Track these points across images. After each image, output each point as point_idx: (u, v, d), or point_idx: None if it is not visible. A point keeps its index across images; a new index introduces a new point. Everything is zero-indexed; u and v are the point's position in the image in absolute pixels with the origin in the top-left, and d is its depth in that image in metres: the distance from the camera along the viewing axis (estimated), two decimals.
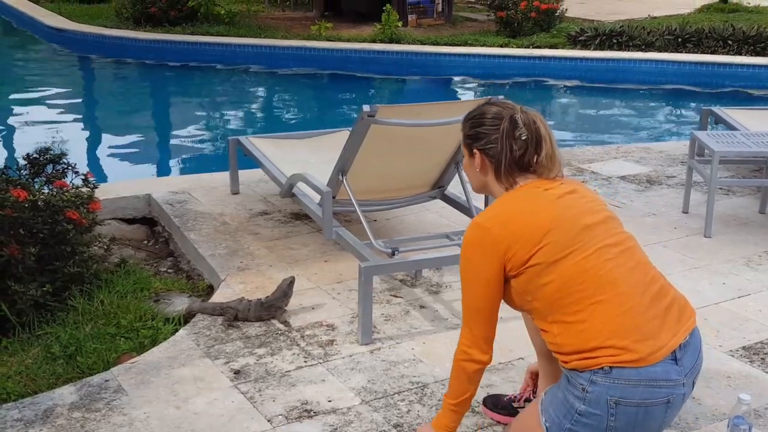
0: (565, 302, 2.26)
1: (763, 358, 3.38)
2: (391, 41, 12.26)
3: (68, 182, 4.07)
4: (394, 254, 3.79)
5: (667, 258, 4.35)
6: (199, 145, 8.65)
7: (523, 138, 2.38)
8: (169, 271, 4.49)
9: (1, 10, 17.18)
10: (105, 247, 4.23)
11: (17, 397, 3.07)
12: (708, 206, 4.68)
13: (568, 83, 11.33)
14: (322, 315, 3.72)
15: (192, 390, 3.09)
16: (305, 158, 4.81)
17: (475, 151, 2.45)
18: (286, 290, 3.67)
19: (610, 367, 2.19)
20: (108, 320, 3.62)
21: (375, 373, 3.23)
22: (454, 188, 4.52)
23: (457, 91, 11.44)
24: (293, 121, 9.76)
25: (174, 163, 8.09)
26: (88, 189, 4.08)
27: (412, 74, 11.75)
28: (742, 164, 5.86)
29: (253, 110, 10.56)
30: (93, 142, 8.74)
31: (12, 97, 10.54)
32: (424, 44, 12.20)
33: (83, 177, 4.16)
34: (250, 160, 5.03)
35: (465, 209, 4.31)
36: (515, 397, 2.94)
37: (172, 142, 8.94)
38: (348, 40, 12.49)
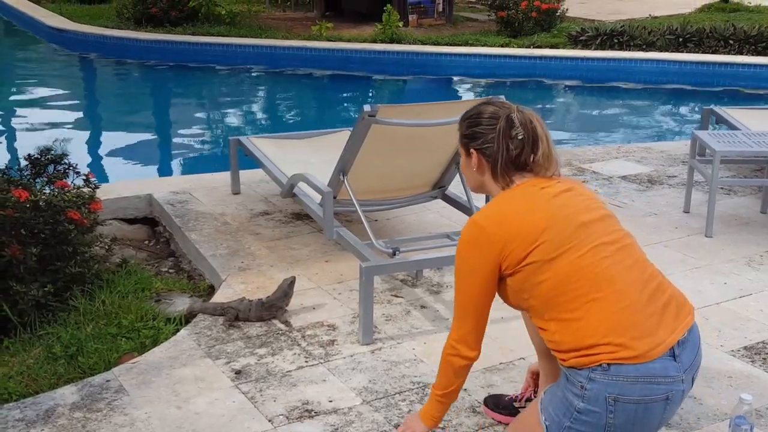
0: (562, 300, 2.27)
1: (764, 358, 3.37)
2: (391, 41, 12.27)
3: (69, 182, 4.07)
4: (395, 254, 3.79)
5: (668, 258, 4.35)
6: (200, 146, 8.65)
7: (520, 137, 2.38)
8: (171, 271, 4.49)
9: (2, 11, 17.20)
10: (106, 247, 4.23)
11: (19, 397, 3.08)
12: (709, 206, 4.68)
13: (568, 83, 11.33)
14: (323, 315, 3.72)
15: (193, 390, 3.10)
16: (306, 158, 4.81)
17: (472, 150, 2.47)
18: (286, 290, 3.68)
19: (608, 364, 2.19)
20: (109, 320, 3.63)
21: (376, 373, 3.23)
22: (455, 188, 4.52)
23: (457, 91, 11.44)
24: (294, 121, 9.76)
25: (175, 164, 8.10)
26: (90, 189, 4.09)
27: (412, 74, 11.75)
28: (744, 164, 5.86)
29: (254, 110, 10.57)
30: (94, 143, 8.74)
31: (13, 97, 10.55)
32: (425, 44, 12.20)
33: (84, 177, 4.16)
34: (251, 161, 5.03)
35: (466, 209, 4.31)
36: (516, 397, 2.94)
37: (173, 142, 8.94)
38: (349, 41, 12.50)
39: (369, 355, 3.38)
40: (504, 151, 2.39)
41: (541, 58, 11.63)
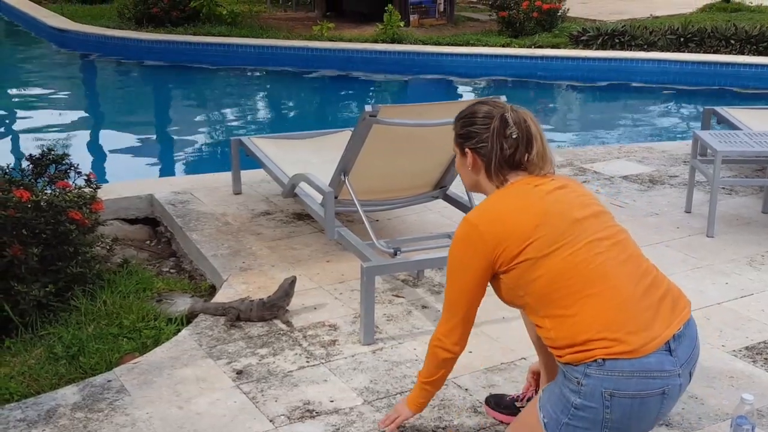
0: (556, 296, 2.28)
1: (766, 358, 3.37)
2: (393, 41, 12.27)
3: (71, 183, 4.08)
4: (396, 254, 3.79)
5: (669, 258, 4.35)
6: (201, 146, 8.65)
7: (514, 136, 2.41)
8: (172, 271, 4.49)
9: (5, 12, 17.21)
10: (107, 247, 4.23)
11: (20, 398, 3.08)
12: (711, 206, 4.67)
13: (570, 83, 11.33)
14: (324, 315, 3.72)
15: (194, 390, 3.10)
16: (307, 158, 4.81)
17: (466, 150, 2.49)
18: (287, 290, 3.68)
19: (604, 360, 2.20)
20: (110, 320, 3.63)
21: (377, 373, 3.23)
22: (456, 188, 4.52)
23: (459, 92, 11.43)
24: (295, 122, 9.76)
25: (176, 164, 8.10)
26: (91, 189, 4.09)
27: (414, 74, 11.74)
28: (745, 164, 5.85)
29: (255, 110, 10.57)
30: (95, 143, 8.75)
31: (14, 97, 10.56)
32: (426, 44, 12.20)
33: (86, 177, 4.16)
34: (253, 161, 5.03)
35: (467, 209, 4.30)
36: (518, 396, 2.94)
37: (175, 142, 8.94)
38: (350, 41, 12.50)
39: (370, 355, 3.38)
40: (498, 150, 2.41)
41: (542, 58, 11.63)
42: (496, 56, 11.77)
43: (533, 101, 10.71)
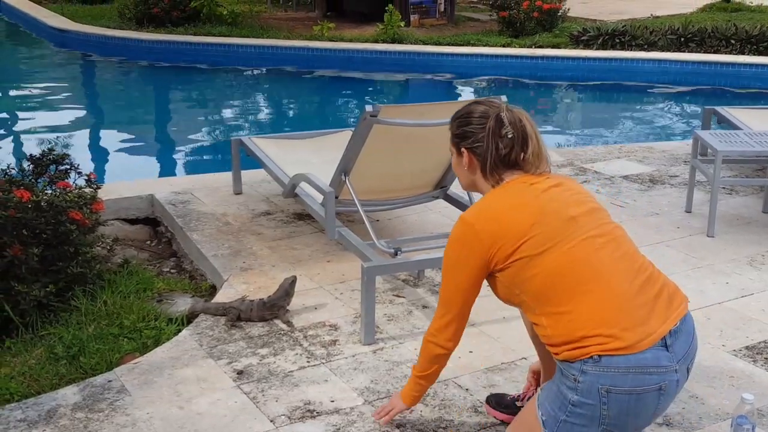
0: (552, 294, 2.29)
1: (766, 358, 3.37)
2: (393, 41, 12.27)
3: (71, 183, 4.08)
4: (396, 254, 3.79)
5: (670, 257, 4.35)
6: (201, 146, 8.65)
7: (510, 136, 2.42)
8: (172, 271, 4.49)
9: (3, 12, 17.21)
10: (108, 247, 4.23)
11: (20, 398, 3.08)
12: (711, 206, 4.67)
13: (570, 83, 11.32)
14: (324, 315, 3.72)
15: (195, 390, 3.10)
16: (308, 158, 4.81)
17: (462, 149, 2.51)
18: (287, 289, 3.68)
19: (599, 356, 2.20)
20: (111, 321, 3.63)
21: (378, 373, 3.23)
22: (456, 188, 4.52)
23: (459, 92, 11.43)
24: (296, 122, 9.76)
25: (177, 164, 8.10)
26: (91, 189, 4.09)
27: (414, 74, 11.75)
28: (745, 164, 5.85)
29: (255, 110, 10.57)
30: (96, 143, 8.75)
31: (15, 97, 10.56)
32: (427, 44, 12.20)
33: (86, 177, 4.16)
34: (253, 161, 5.03)
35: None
36: (519, 396, 2.94)
37: (175, 142, 8.94)
38: (350, 41, 12.50)
39: (371, 355, 3.38)
40: (493, 150, 2.43)
41: (542, 58, 11.63)
42: (497, 56, 11.77)
43: (534, 101, 10.71)
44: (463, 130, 2.50)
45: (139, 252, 4.66)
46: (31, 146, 7.61)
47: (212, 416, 2.93)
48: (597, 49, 11.78)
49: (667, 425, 2.89)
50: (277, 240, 4.56)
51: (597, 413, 2.23)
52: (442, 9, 14.29)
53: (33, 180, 4.08)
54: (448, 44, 12.19)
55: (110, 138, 9.00)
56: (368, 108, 3.68)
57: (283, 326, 3.61)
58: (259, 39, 12.54)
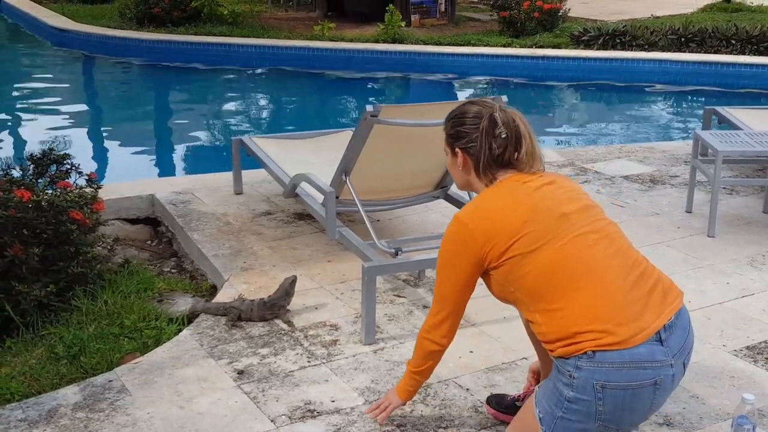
0: (545, 291, 2.31)
1: (767, 358, 3.37)
2: (394, 41, 12.27)
3: (72, 183, 4.08)
4: (397, 254, 3.79)
5: (670, 258, 4.35)
6: (202, 146, 8.65)
7: (503, 136, 2.44)
8: (173, 271, 4.49)
9: (4, 11, 17.22)
10: (108, 247, 4.23)
11: (21, 398, 3.08)
12: (711, 206, 4.67)
13: (571, 83, 11.32)
14: (325, 315, 3.72)
15: (195, 390, 3.10)
16: (308, 158, 4.81)
17: (457, 149, 2.54)
18: (288, 289, 3.68)
19: (593, 352, 2.21)
20: (111, 320, 3.63)
21: (378, 373, 3.23)
22: (456, 188, 4.52)
23: (460, 92, 11.44)
24: (296, 122, 9.76)
25: (177, 164, 8.10)
26: (92, 189, 4.09)
27: (415, 74, 11.75)
28: (746, 164, 5.85)
29: (256, 110, 10.57)
30: (96, 143, 8.75)
31: (15, 97, 10.56)
32: (427, 44, 12.20)
33: (87, 177, 4.16)
34: (254, 161, 5.03)
35: None
36: (519, 396, 2.94)
37: (176, 142, 8.95)
38: (351, 40, 12.50)
39: (371, 355, 3.38)
40: (487, 149, 2.46)
41: (543, 58, 11.63)
42: (498, 56, 11.76)
43: (534, 101, 10.72)
44: (457, 130, 2.53)
45: (139, 252, 4.66)
46: (32, 146, 7.60)
47: (213, 416, 2.93)
48: (597, 49, 11.77)
49: (667, 425, 2.89)
50: (278, 240, 4.56)
51: (593, 409, 2.23)
52: (442, 9, 14.28)
53: (34, 180, 4.08)
54: (449, 44, 12.19)
55: (111, 138, 9.01)
56: (369, 108, 3.68)
57: (284, 326, 3.61)
58: (259, 39, 12.54)
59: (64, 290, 3.72)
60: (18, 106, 10.16)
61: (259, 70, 11.95)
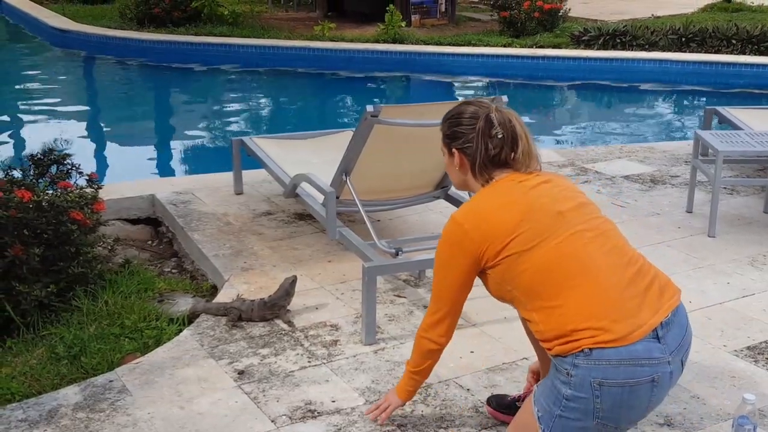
0: (541, 289, 2.31)
1: None
2: (394, 41, 12.27)
3: (72, 183, 4.08)
4: (397, 254, 3.79)
5: (671, 258, 4.35)
6: (202, 146, 8.65)
7: (499, 136, 2.45)
8: (173, 271, 4.49)
9: (4, 12, 17.22)
10: (109, 247, 4.23)
11: (21, 398, 3.08)
12: (712, 206, 4.67)
13: (571, 83, 11.32)
14: (325, 315, 3.72)
15: (196, 390, 3.10)
16: (309, 158, 4.81)
17: (453, 150, 2.55)
18: (288, 289, 3.68)
19: (590, 349, 2.21)
20: (112, 321, 3.63)
21: (379, 374, 3.23)
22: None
23: (460, 92, 11.44)
24: (297, 122, 9.76)
25: (178, 164, 8.10)
26: (92, 189, 4.09)
27: (415, 74, 11.75)
28: (746, 164, 5.85)
29: (256, 111, 10.57)
30: (97, 143, 8.75)
31: (16, 97, 10.56)
32: (428, 44, 12.20)
33: (87, 177, 4.16)
34: (254, 161, 5.03)
35: None
36: (519, 396, 2.93)
37: (176, 142, 8.95)
38: (351, 41, 12.50)
39: (372, 355, 3.38)
40: (483, 150, 2.47)
41: (543, 58, 11.63)
42: (498, 56, 11.77)
43: (534, 101, 10.72)
44: (453, 130, 2.54)
45: (140, 252, 4.66)
46: (33, 146, 7.60)
47: (213, 416, 2.93)
48: (598, 49, 11.78)
49: (668, 425, 2.89)
50: (278, 240, 4.56)
51: (590, 407, 2.23)
52: (443, 9, 14.29)
53: (34, 180, 4.08)
54: (449, 44, 12.19)
55: (111, 138, 9.01)
56: (369, 108, 3.68)
57: (284, 326, 3.61)
58: (260, 39, 12.55)
59: (65, 290, 3.72)
60: (18, 106, 10.17)
61: (259, 71, 11.95)
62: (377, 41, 12.33)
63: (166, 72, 11.89)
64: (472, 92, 11.29)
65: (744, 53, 11.28)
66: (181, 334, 3.55)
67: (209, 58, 12.07)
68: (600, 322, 2.23)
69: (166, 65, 12.01)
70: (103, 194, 4.26)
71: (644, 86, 10.97)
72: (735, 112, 6.03)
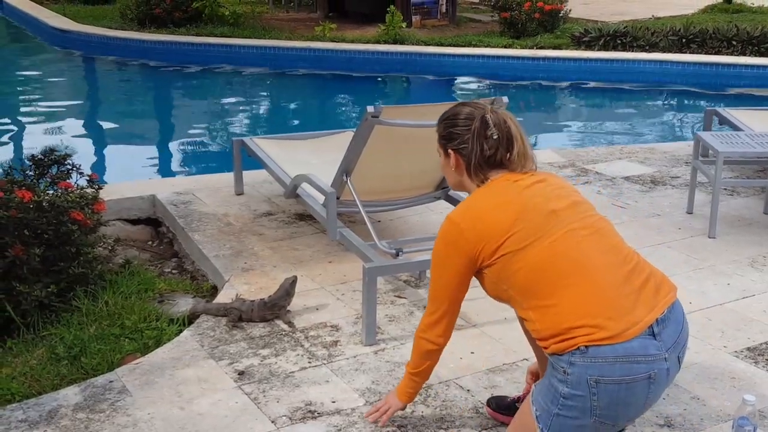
0: (537, 288, 2.32)
1: None
2: (395, 42, 12.27)
3: (73, 183, 4.08)
4: (398, 255, 3.80)
5: (671, 259, 4.35)
6: (203, 146, 8.66)
7: (495, 137, 2.47)
8: (174, 271, 4.49)
9: (5, 12, 17.22)
10: (109, 247, 4.23)
11: (21, 398, 3.08)
12: (712, 207, 4.67)
13: (571, 84, 11.32)
14: (326, 316, 3.72)
15: (196, 391, 3.10)
16: (309, 159, 4.81)
17: (449, 151, 2.56)
18: (288, 289, 3.68)
19: (586, 347, 2.22)
20: (112, 321, 3.63)
21: (379, 374, 3.23)
22: None
23: (461, 93, 11.44)
24: (297, 122, 9.76)
25: (178, 164, 8.10)
26: (93, 190, 4.09)
27: (416, 75, 11.75)
28: (747, 165, 5.85)
29: (257, 111, 10.58)
30: (97, 143, 8.75)
31: (16, 98, 10.57)
32: (428, 45, 12.21)
33: (88, 178, 4.17)
34: (255, 161, 5.04)
35: None
36: (519, 397, 2.93)
37: (177, 143, 8.95)
38: (352, 41, 12.50)
39: (372, 355, 3.38)
40: (478, 151, 2.48)
41: (544, 58, 11.63)
42: (498, 57, 11.77)
43: (535, 102, 10.72)
44: (449, 131, 2.55)
45: (140, 252, 4.67)
46: (33, 146, 7.61)
47: (213, 417, 2.93)
48: (598, 50, 11.78)
49: (668, 426, 2.89)
50: (279, 240, 4.56)
51: (588, 404, 2.24)
52: (443, 10, 14.29)
53: (34, 180, 4.08)
54: (450, 45, 12.20)
55: (112, 138, 9.01)
56: (370, 109, 3.69)
57: (285, 327, 3.61)
58: (260, 40, 12.55)
59: (65, 291, 3.72)
60: (19, 106, 10.17)
61: (260, 71, 11.95)
62: (378, 42, 12.33)
63: (166, 72, 11.89)
64: (472, 93, 11.28)
65: (744, 54, 11.27)
66: (181, 334, 3.55)
67: (210, 59, 12.07)
68: (595, 319, 2.23)
69: (167, 66, 12.00)
70: (104, 194, 4.27)
71: (644, 87, 10.97)
72: (735, 114, 6.03)
